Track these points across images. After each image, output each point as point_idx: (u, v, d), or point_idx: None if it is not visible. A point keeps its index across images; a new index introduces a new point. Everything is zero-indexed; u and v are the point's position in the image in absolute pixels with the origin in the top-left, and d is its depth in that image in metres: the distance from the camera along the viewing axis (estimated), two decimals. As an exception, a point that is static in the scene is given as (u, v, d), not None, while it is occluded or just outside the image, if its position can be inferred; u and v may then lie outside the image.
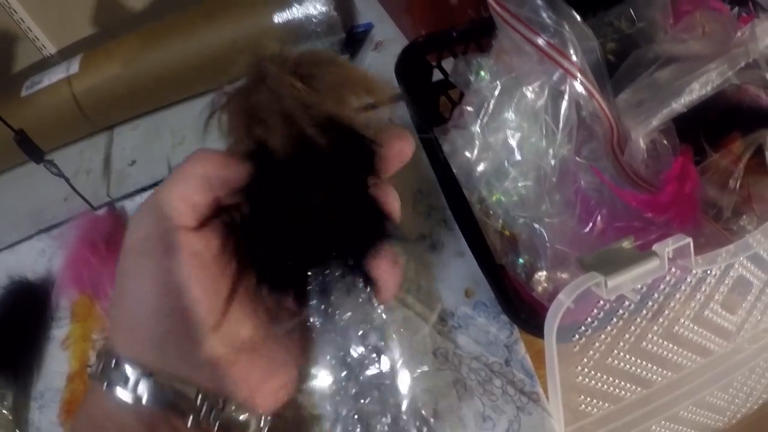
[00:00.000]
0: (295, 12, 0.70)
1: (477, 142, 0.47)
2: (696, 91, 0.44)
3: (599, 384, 0.41)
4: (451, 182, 0.48)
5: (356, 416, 0.25)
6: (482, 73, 0.48)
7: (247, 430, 0.26)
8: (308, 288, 0.26)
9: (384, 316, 0.26)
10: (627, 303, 0.38)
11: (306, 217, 0.25)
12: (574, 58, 0.44)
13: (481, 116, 0.47)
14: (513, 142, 0.46)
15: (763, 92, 0.47)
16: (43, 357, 0.58)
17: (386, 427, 0.25)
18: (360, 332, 0.25)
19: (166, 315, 0.24)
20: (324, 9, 0.69)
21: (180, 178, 0.26)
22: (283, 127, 0.25)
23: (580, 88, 0.44)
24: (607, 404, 0.42)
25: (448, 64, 0.57)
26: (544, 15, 0.44)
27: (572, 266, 0.44)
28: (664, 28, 0.52)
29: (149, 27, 0.77)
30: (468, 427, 0.46)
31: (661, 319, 0.41)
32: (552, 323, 0.35)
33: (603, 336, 0.39)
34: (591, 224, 0.45)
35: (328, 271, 0.26)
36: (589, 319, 0.38)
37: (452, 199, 0.47)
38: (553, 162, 0.46)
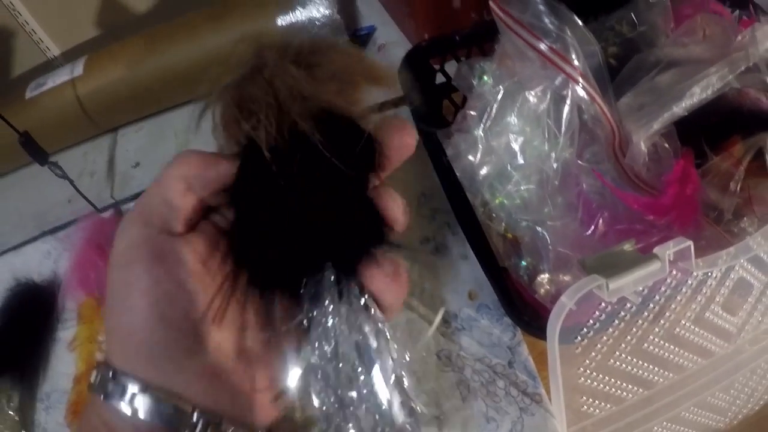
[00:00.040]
0: (299, 15, 0.70)
1: (480, 146, 0.47)
2: (697, 94, 0.44)
3: (601, 385, 0.42)
4: (455, 186, 0.48)
5: (350, 425, 0.24)
6: (485, 77, 0.48)
7: None
8: (302, 293, 0.24)
9: (379, 325, 0.25)
10: (628, 305, 0.38)
11: (295, 220, 0.24)
12: (576, 62, 0.44)
13: (484, 120, 0.47)
14: (516, 146, 0.47)
15: (763, 96, 0.48)
16: (49, 358, 0.58)
17: None
18: (353, 340, 0.24)
19: (158, 326, 0.24)
20: (327, 12, 0.70)
21: (161, 183, 0.25)
22: (275, 121, 0.23)
23: (582, 93, 0.44)
24: (609, 405, 0.43)
25: (450, 67, 0.57)
26: (547, 20, 0.44)
27: (574, 269, 0.44)
28: (665, 32, 0.52)
29: (153, 29, 0.77)
30: (472, 428, 0.46)
31: (662, 321, 0.41)
32: (554, 325, 0.36)
33: (605, 338, 0.40)
34: (593, 227, 0.46)
35: (321, 277, 0.24)
36: (591, 321, 0.38)
37: (455, 202, 0.48)
38: (555, 165, 0.46)
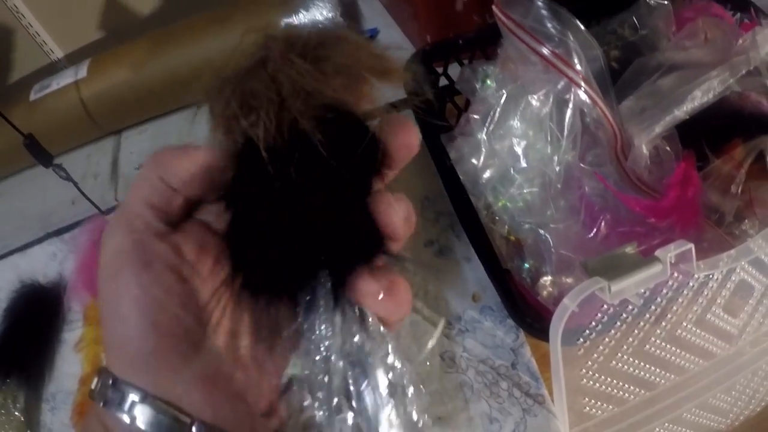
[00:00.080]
0: (302, 17, 0.71)
1: (483, 149, 0.47)
2: (698, 98, 0.45)
3: (603, 386, 0.42)
4: (458, 189, 0.48)
5: None
6: (488, 81, 0.48)
7: None
8: (297, 298, 0.23)
9: (376, 335, 0.24)
10: (630, 307, 0.38)
11: (290, 223, 0.22)
12: (578, 66, 0.44)
13: (487, 124, 0.47)
14: (518, 149, 0.47)
15: (764, 99, 0.48)
16: (55, 359, 0.58)
17: None
18: (345, 351, 0.23)
19: (151, 334, 0.23)
20: (330, 15, 0.70)
21: (138, 184, 0.24)
22: (275, 118, 0.22)
23: (584, 96, 0.45)
24: (611, 406, 0.43)
25: (453, 70, 0.57)
26: (549, 25, 0.44)
27: (577, 271, 0.44)
28: (666, 36, 0.52)
29: (157, 32, 0.78)
30: (475, 429, 0.46)
31: (663, 323, 0.41)
32: (557, 327, 0.36)
33: (607, 339, 0.40)
34: (595, 229, 0.46)
35: (316, 284, 0.23)
36: (594, 323, 0.38)
37: (459, 205, 0.48)
38: (557, 168, 0.47)
